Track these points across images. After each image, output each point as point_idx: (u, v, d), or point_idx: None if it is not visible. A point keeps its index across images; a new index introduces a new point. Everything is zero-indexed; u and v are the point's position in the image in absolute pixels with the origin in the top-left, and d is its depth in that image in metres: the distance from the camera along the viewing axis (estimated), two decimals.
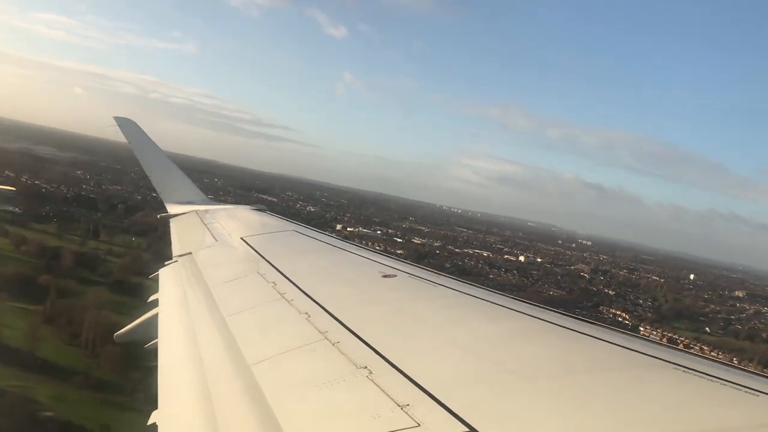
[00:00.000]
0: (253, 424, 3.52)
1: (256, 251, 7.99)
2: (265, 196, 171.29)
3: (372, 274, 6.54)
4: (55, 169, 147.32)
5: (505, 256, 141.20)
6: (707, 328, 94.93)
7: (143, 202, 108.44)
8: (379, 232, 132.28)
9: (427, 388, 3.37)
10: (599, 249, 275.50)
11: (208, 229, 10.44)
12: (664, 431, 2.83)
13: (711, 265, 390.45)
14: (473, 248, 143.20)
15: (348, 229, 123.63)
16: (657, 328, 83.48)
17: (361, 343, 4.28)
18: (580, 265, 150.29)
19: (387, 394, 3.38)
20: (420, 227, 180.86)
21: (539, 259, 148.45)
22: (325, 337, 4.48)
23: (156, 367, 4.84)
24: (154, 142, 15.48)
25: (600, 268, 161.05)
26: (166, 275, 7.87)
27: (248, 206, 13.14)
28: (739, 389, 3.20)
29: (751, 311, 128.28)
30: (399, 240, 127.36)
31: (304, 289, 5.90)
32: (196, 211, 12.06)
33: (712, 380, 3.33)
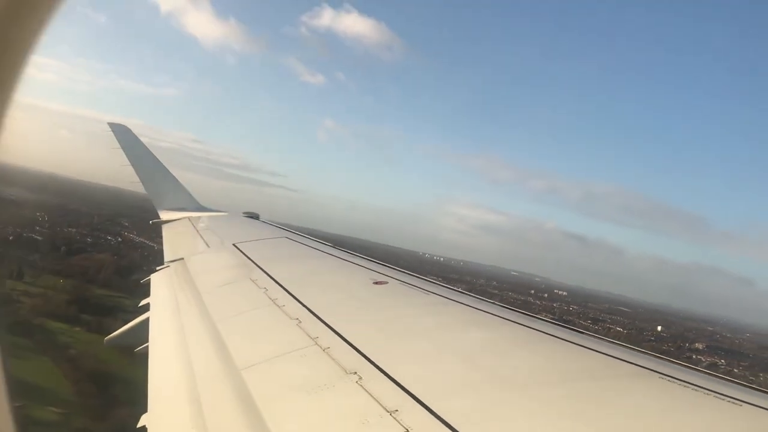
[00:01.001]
0: (242, 429, 3.56)
1: (248, 257, 8.14)
2: None
3: (363, 281, 6.69)
4: (12, 212, 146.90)
5: None
6: None
7: (92, 245, 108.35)
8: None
9: (416, 394, 3.44)
10: (573, 299, 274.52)
11: (201, 235, 10.70)
12: None
13: (689, 317, 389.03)
14: None
15: None
16: None
17: (352, 348, 4.33)
18: (541, 315, 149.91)
19: (376, 400, 3.43)
20: None
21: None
22: (316, 343, 4.54)
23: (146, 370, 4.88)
24: (147, 149, 15.59)
25: (563, 317, 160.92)
26: (157, 280, 8.06)
27: (241, 213, 13.28)
28: (722, 399, 3.31)
29: (705, 364, 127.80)
30: None
31: (295, 295, 5.99)
32: (189, 218, 12.35)
33: (696, 390, 3.46)
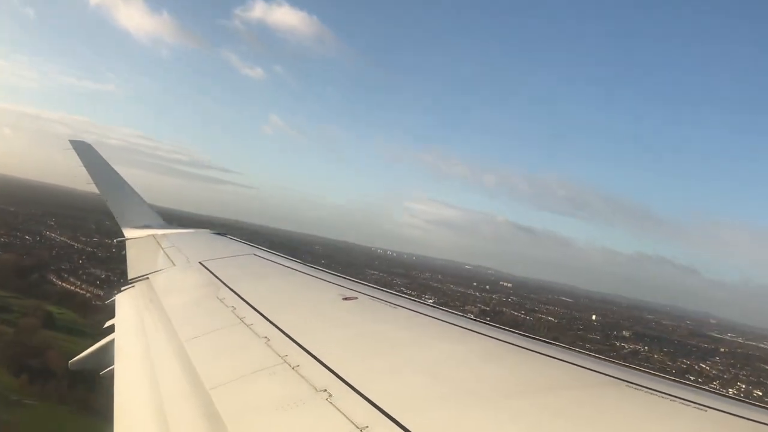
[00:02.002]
0: None
1: (215, 275, 7.91)
2: None
3: (332, 297, 6.56)
4: None
5: None
6: None
7: (3, 245, 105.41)
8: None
9: (386, 410, 3.40)
10: (516, 291, 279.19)
11: (166, 253, 10.21)
12: None
13: (635, 306, 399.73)
14: None
15: None
16: None
17: (321, 366, 4.26)
18: (470, 307, 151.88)
19: (346, 417, 3.39)
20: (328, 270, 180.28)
21: (430, 300, 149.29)
22: (285, 361, 4.45)
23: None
24: (110, 165, 14.93)
25: (495, 308, 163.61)
26: (122, 300, 7.67)
27: (207, 230, 12.93)
28: (687, 405, 3.37)
29: (626, 350, 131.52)
30: None
31: (263, 313, 5.86)
32: (154, 235, 11.71)
33: (663, 397, 3.49)
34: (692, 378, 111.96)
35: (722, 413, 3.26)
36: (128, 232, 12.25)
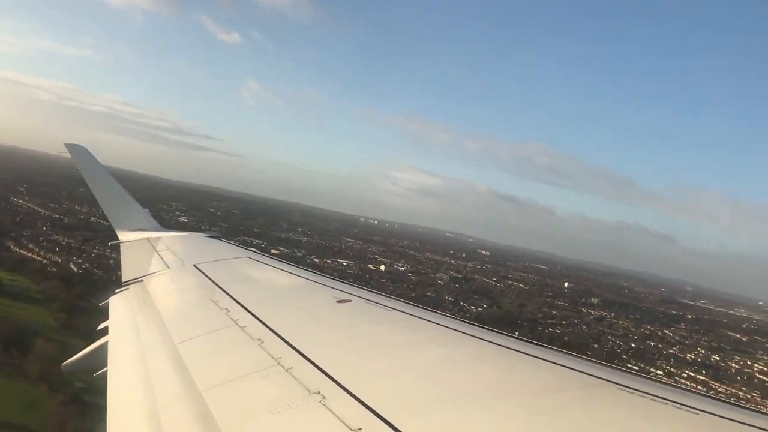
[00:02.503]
0: None
1: (209, 278, 7.91)
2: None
3: (326, 300, 6.56)
4: None
5: (368, 266, 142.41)
6: (517, 332, 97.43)
7: None
8: (233, 242, 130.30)
9: (380, 412, 3.39)
10: (492, 259, 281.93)
11: (160, 256, 10.22)
12: None
13: (611, 274, 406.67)
14: (340, 257, 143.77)
15: None
16: None
17: (315, 368, 4.25)
18: (441, 274, 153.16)
19: (340, 419, 3.38)
20: (301, 237, 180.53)
21: (402, 268, 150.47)
22: (279, 363, 4.44)
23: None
24: (105, 169, 15.13)
25: (467, 276, 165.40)
26: (116, 303, 7.66)
27: (201, 233, 12.93)
28: (680, 408, 3.35)
29: (592, 317, 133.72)
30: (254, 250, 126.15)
31: (257, 316, 5.85)
32: (148, 239, 11.77)
33: (654, 400, 3.47)
34: (653, 343, 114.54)
35: (714, 416, 3.28)
36: (123, 235, 12.37)
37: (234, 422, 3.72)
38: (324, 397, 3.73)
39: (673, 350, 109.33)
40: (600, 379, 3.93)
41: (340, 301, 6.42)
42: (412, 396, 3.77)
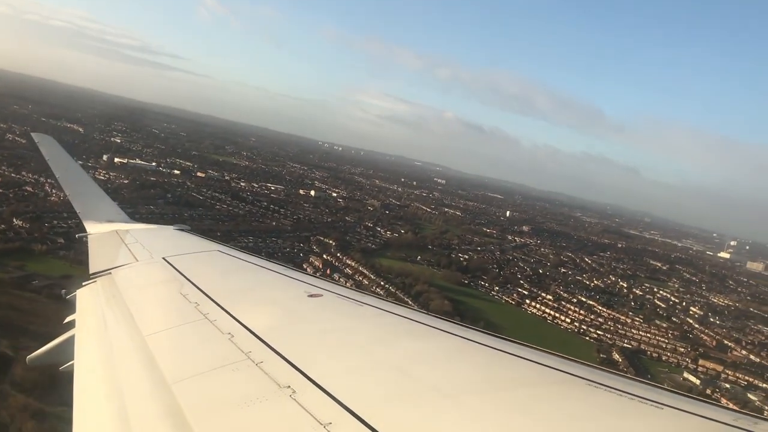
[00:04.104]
0: None
1: (178, 271, 7.86)
2: (72, 125, 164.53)
3: (298, 294, 6.52)
4: None
5: (300, 191, 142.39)
6: (419, 257, 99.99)
7: None
8: (154, 163, 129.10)
9: (349, 407, 3.44)
10: (447, 187, 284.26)
11: (129, 248, 9.96)
12: None
13: (569, 204, 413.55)
14: (274, 183, 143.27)
15: (117, 160, 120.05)
16: (362, 259, 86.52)
17: (285, 362, 4.27)
18: (373, 201, 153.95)
19: (309, 413, 3.41)
20: (241, 162, 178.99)
21: (334, 194, 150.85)
22: (249, 357, 4.44)
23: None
24: (72, 160, 15.31)
25: (404, 203, 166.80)
26: (83, 295, 7.51)
27: (171, 226, 12.53)
28: (645, 402, 3.50)
29: (512, 245, 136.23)
30: (176, 172, 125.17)
31: (227, 310, 5.82)
32: (117, 231, 11.38)
33: (621, 395, 3.62)
34: (563, 270, 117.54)
35: (678, 411, 3.44)
36: (91, 227, 11.94)
37: (203, 416, 3.74)
38: (294, 392, 3.78)
39: (581, 277, 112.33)
40: (570, 375, 4.05)
41: (311, 296, 6.42)
42: (384, 391, 3.85)
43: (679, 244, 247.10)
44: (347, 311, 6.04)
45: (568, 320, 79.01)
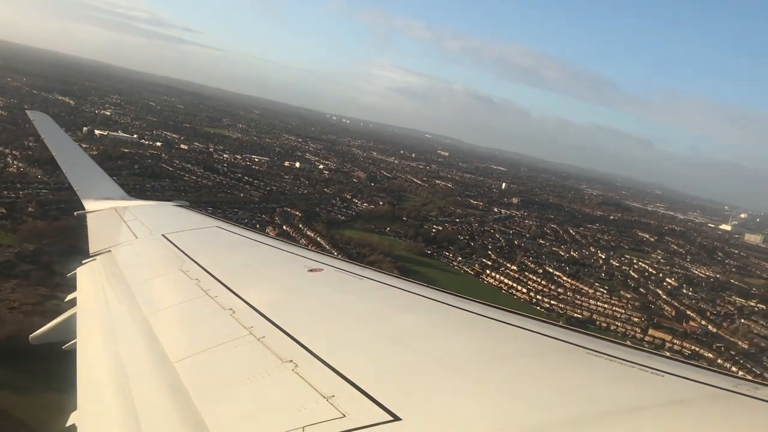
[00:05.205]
0: (176, 423, 3.50)
1: (178, 248, 7.85)
2: (65, 98, 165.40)
3: (298, 269, 6.55)
4: None
5: (285, 163, 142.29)
6: (387, 228, 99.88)
7: None
8: (135, 136, 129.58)
9: (352, 379, 3.48)
10: (449, 159, 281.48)
11: (128, 225, 10.02)
12: (579, 412, 3.09)
13: (582, 177, 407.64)
14: (260, 154, 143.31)
15: (97, 132, 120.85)
16: (323, 231, 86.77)
17: (287, 337, 4.31)
18: (360, 173, 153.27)
19: (312, 387, 3.46)
20: (233, 134, 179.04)
21: (321, 166, 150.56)
22: (251, 333, 4.48)
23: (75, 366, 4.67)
24: (69, 138, 15.52)
25: (395, 175, 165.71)
26: (84, 274, 7.59)
27: (170, 202, 12.68)
28: (646, 370, 3.53)
29: (496, 217, 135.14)
30: (158, 144, 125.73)
31: (228, 286, 5.85)
32: (115, 208, 11.52)
33: (622, 363, 3.65)
34: (541, 241, 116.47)
35: (678, 378, 3.47)
36: (89, 205, 11.99)
37: (206, 392, 3.79)
38: (296, 366, 3.81)
39: (558, 249, 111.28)
40: (569, 344, 4.06)
41: (311, 270, 6.43)
42: (385, 363, 3.89)
43: (682, 217, 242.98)
44: (348, 285, 6.05)
45: (524, 290, 78.71)
